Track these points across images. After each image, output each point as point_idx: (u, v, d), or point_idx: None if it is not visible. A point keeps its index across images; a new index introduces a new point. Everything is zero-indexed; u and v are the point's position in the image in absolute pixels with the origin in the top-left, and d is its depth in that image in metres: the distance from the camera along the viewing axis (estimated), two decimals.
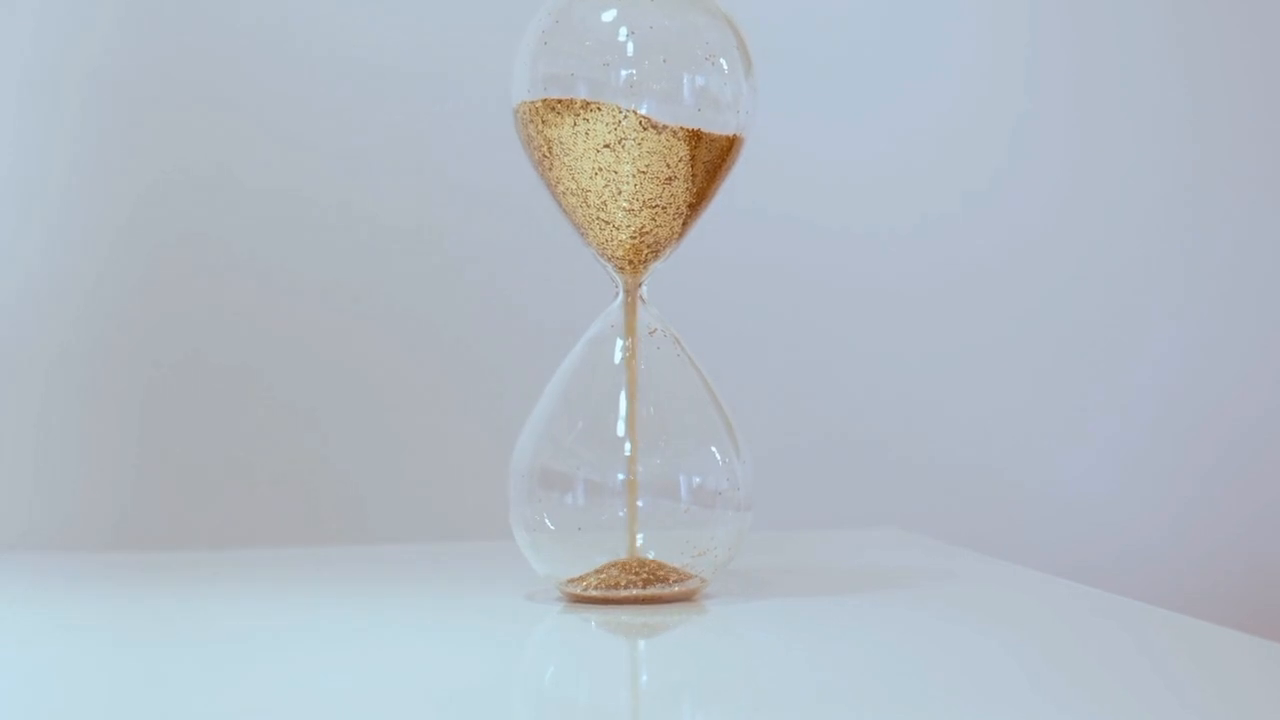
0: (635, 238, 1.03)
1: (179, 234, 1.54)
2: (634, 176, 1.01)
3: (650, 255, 1.04)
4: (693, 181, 1.03)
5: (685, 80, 1.01)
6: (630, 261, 1.04)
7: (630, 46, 1.00)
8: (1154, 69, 1.69)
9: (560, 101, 1.00)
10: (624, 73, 1.00)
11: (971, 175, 1.68)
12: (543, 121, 1.02)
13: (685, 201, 1.03)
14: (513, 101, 1.03)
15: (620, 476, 1.01)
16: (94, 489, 1.51)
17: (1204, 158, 1.70)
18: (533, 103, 1.01)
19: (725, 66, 1.02)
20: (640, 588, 1.01)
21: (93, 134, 1.53)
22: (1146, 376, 1.69)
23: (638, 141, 1.01)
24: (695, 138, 1.02)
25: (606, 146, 1.01)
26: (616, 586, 1.02)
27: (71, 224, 1.52)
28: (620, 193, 1.02)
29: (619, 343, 1.04)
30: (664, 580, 1.02)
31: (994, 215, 1.68)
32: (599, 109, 1.00)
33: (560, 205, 1.05)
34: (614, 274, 1.06)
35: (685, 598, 1.03)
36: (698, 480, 1.02)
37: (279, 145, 1.55)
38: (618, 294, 1.06)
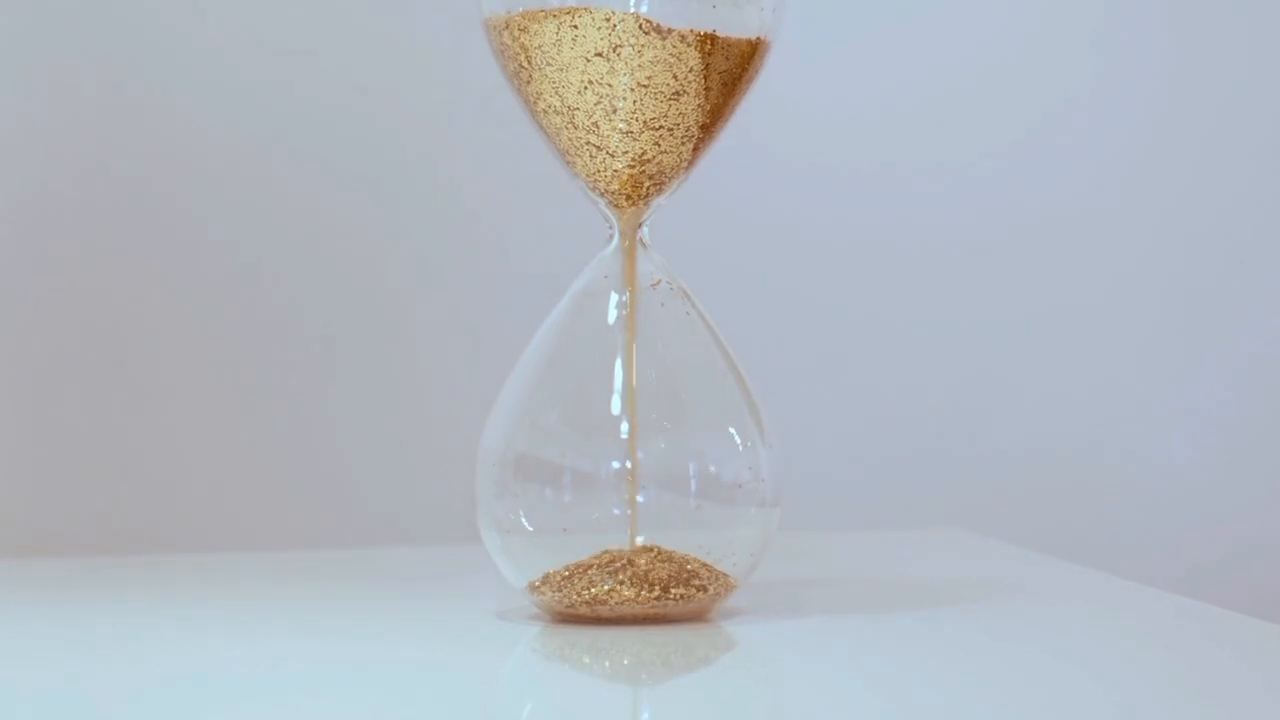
0: (634, 166, 1.01)
1: (101, 195, 1.56)
2: (632, 91, 0.99)
3: (653, 188, 1.02)
4: (705, 97, 1.01)
5: None
6: (628, 196, 1.02)
7: None
8: None
9: (542, 10, 0.99)
10: None
11: (1050, 97, 1.67)
12: (520, 29, 1.00)
13: (696, 121, 1.01)
14: (483, 11, 1.02)
15: (615, 465, 1.00)
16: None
17: None
18: (509, 15, 1.01)
19: None
20: (641, 603, 1.00)
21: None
22: (1263, 339, 1.69)
23: (637, 49, 0.99)
24: (708, 42, 1.00)
25: (598, 55, 0.99)
26: (611, 602, 1.00)
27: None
28: (615, 111, 1.00)
29: (614, 297, 1.03)
30: (671, 594, 1.00)
31: (1079, 147, 1.67)
32: (589, 12, 0.99)
33: (540, 127, 1.02)
34: (607, 212, 1.03)
35: (697, 615, 1.01)
36: (713, 469, 1.01)
37: (197, 83, 1.57)
38: (612, 237, 1.04)
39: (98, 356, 1.56)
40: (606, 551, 1.00)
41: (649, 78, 0.99)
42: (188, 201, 1.57)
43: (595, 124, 1.00)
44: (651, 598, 0.99)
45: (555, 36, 0.99)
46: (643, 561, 1.00)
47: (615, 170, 1.01)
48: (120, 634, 1.05)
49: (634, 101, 0.99)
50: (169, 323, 1.56)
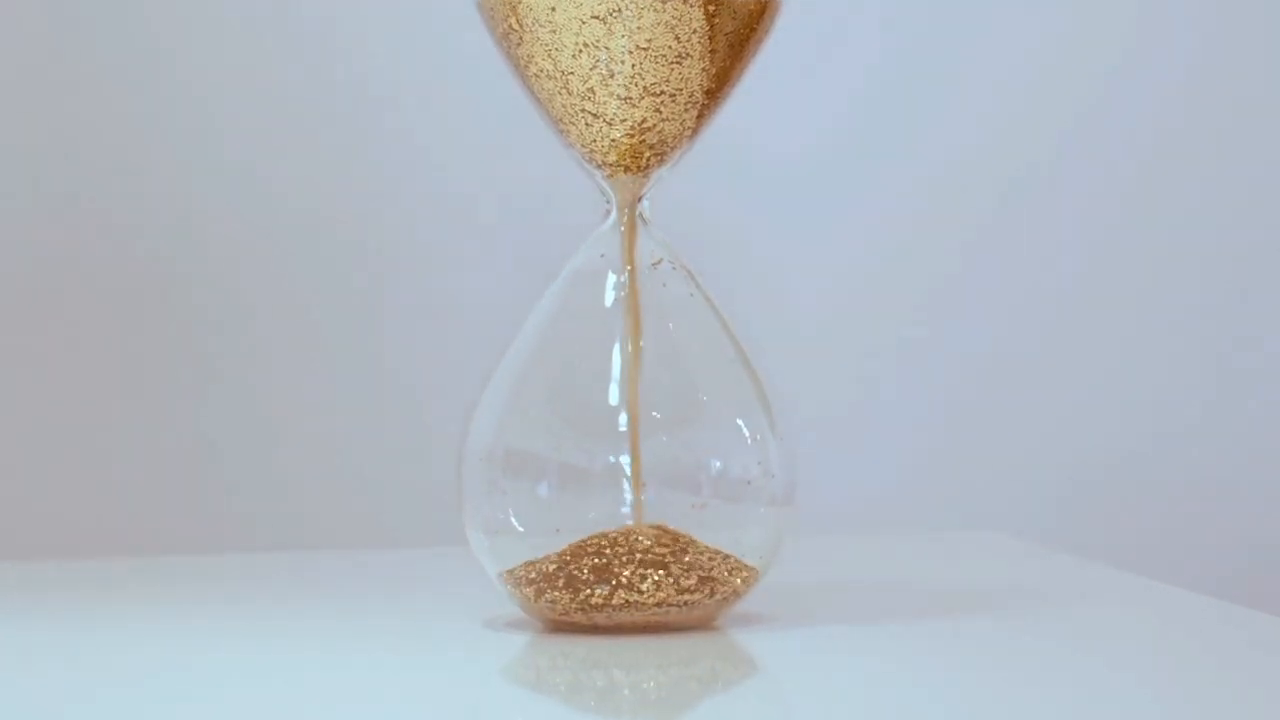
0: (633, 135, 1.00)
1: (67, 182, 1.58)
2: (631, 54, 0.98)
3: (653, 159, 1.01)
4: (710, 60, 1.00)
5: None
6: (627, 168, 1.01)
7: None
8: None
9: None
10: None
11: (1073, 90, 1.67)
12: None
13: (700, 87, 1.00)
14: None
15: (613, 460, 1.00)
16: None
17: None
18: None
19: None
20: (642, 610, 0.98)
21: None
22: None
23: (637, 11, 0.98)
24: (714, 3, 0.99)
25: (595, 18, 0.98)
26: (608, 608, 0.98)
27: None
28: (613, 76, 0.99)
29: (611, 278, 1.02)
30: (675, 600, 0.99)
31: (1099, 141, 1.67)
32: None
33: (532, 92, 1.01)
34: (604, 184, 1.02)
35: (703, 623, 1.00)
36: (720, 465, 1.00)
37: (170, 64, 1.58)
38: (610, 212, 1.03)
39: (96, 356, 1.58)
40: (602, 547, 0.99)
41: (649, 40, 0.98)
42: (175, 193, 1.58)
43: (591, 90, 0.99)
44: (654, 604, 0.98)
45: None
46: (643, 566, 0.99)
47: (613, 139, 1.00)
48: (113, 635, 1.05)
49: (633, 65, 0.98)
50: (164, 322, 1.58)
